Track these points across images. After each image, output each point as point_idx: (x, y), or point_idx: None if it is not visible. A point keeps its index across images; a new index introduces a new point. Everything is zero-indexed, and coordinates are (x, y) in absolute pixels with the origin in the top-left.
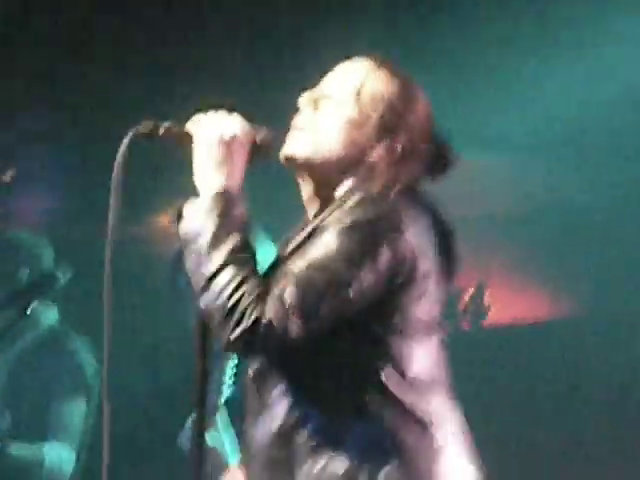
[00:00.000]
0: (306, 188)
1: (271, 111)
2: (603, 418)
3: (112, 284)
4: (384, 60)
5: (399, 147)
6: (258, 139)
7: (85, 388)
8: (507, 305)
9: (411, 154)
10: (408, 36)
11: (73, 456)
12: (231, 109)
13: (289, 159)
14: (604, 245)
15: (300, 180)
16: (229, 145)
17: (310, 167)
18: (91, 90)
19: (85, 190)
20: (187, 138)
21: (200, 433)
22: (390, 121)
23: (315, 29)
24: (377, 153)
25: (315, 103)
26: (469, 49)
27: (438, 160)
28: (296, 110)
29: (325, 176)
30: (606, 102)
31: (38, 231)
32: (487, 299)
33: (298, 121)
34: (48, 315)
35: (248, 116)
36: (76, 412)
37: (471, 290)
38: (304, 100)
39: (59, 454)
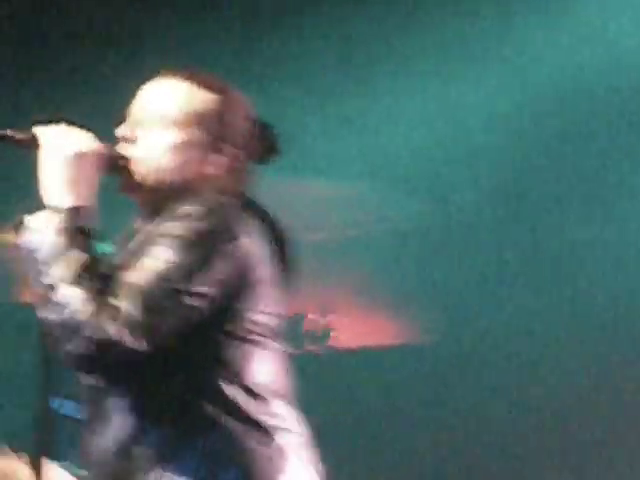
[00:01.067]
0: (146, 210)
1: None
2: (445, 439)
3: None
4: (190, 73)
5: (229, 154)
6: (108, 154)
7: None
8: (350, 329)
9: (240, 155)
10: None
11: None
12: (70, 122)
13: (127, 193)
14: (454, 270)
15: (141, 205)
16: (80, 161)
17: (147, 195)
18: None
19: None
20: (34, 144)
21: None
22: (215, 132)
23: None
24: (210, 166)
25: (132, 134)
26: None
27: (265, 149)
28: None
29: (163, 199)
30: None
31: None
32: (329, 322)
33: (124, 152)
34: None
35: (87, 129)
36: None
37: (314, 313)
38: (122, 133)
39: None
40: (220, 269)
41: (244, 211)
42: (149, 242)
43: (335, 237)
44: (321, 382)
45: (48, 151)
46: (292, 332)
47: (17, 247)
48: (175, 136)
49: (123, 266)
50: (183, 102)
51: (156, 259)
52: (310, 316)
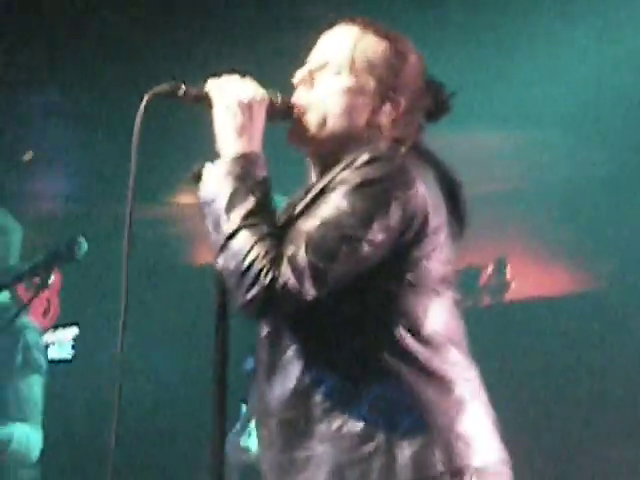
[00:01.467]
0: (313, 157)
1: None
2: (622, 394)
3: (129, 259)
4: (369, 22)
5: (401, 105)
6: (275, 101)
7: (37, 366)
8: (529, 280)
9: (412, 109)
10: (413, 10)
11: (40, 434)
12: (243, 74)
13: (297, 143)
14: (626, 218)
15: (310, 156)
16: (248, 108)
17: (319, 145)
18: (105, 59)
19: (102, 166)
20: (206, 100)
21: (221, 417)
22: (388, 81)
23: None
24: (381, 115)
25: (310, 79)
26: (478, 22)
27: (437, 107)
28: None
29: (335, 148)
30: (621, 70)
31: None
32: (508, 274)
33: (297, 100)
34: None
35: (258, 81)
36: (35, 389)
37: (491, 265)
38: (298, 78)
39: (26, 433)
40: (395, 216)
41: (418, 159)
42: (325, 191)
43: (508, 188)
44: (500, 335)
45: (220, 102)
46: (470, 285)
47: (195, 198)
48: (349, 81)
49: (300, 215)
50: (359, 50)
51: (331, 207)
52: (488, 269)
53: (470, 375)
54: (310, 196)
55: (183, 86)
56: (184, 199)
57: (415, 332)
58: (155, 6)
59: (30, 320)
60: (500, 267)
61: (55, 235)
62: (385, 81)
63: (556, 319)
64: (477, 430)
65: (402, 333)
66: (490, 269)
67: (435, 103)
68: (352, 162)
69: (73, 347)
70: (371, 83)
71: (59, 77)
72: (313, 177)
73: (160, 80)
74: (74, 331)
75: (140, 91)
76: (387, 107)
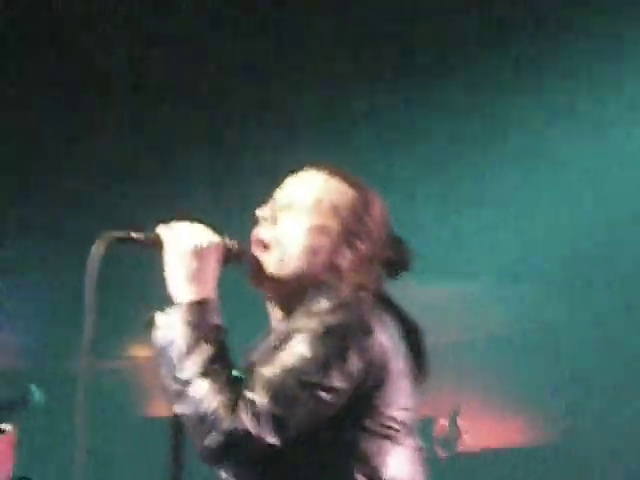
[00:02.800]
0: (273, 300)
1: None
2: None
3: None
4: (336, 169)
5: (362, 251)
6: (228, 246)
7: None
8: (481, 431)
9: (373, 257)
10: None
11: None
12: (195, 220)
13: (256, 284)
14: (583, 369)
15: (269, 296)
16: (200, 255)
17: (278, 285)
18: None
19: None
20: (159, 244)
21: None
22: (352, 226)
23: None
24: (342, 258)
25: (274, 216)
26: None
27: (397, 261)
28: (254, 222)
29: (294, 289)
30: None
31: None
32: (461, 425)
33: (259, 236)
34: None
35: (210, 226)
36: None
37: (445, 416)
38: (262, 214)
39: None
40: (354, 363)
41: (378, 306)
42: (284, 338)
43: (462, 338)
44: None
45: (171, 247)
46: (423, 436)
47: (150, 348)
48: (312, 220)
49: (259, 362)
50: (325, 192)
51: (290, 354)
52: (441, 420)
53: None
54: (271, 341)
55: (135, 232)
56: (138, 352)
57: (375, 479)
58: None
59: None
60: (453, 418)
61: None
62: (348, 226)
63: (509, 472)
64: None
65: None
66: (443, 420)
67: (395, 257)
68: (309, 308)
69: None
70: (334, 225)
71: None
72: (273, 319)
73: (117, 228)
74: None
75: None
76: (348, 252)
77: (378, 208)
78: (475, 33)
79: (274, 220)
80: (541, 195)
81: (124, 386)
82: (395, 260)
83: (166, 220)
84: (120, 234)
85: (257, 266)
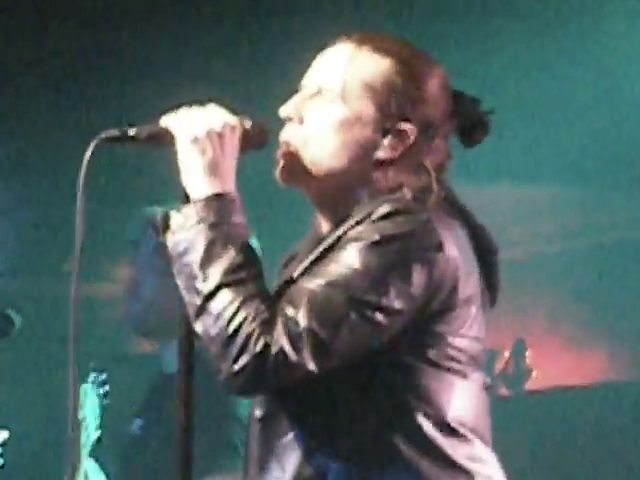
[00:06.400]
0: (315, 202)
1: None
2: None
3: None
4: (367, 36)
5: (411, 134)
6: (248, 128)
7: None
8: (553, 367)
9: (430, 136)
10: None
11: None
12: (204, 103)
13: (288, 183)
14: None
15: (311, 199)
16: (219, 140)
17: (314, 185)
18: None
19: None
20: (164, 137)
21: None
22: (391, 106)
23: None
24: (386, 148)
25: (299, 111)
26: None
27: (469, 127)
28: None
29: (334, 189)
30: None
31: None
32: (528, 360)
33: (285, 137)
34: None
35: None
36: None
37: (509, 350)
38: (286, 112)
39: None
40: (418, 282)
41: (447, 214)
42: (334, 247)
43: (528, 255)
44: (518, 431)
45: (183, 135)
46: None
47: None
48: (342, 111)
49: (302, 274)
50: (352, 71)
51: (341, 266)
52: (505, 354)
53: (496, 474)
54: (318, 250)
55: (132, 128)
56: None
57: (437, 420)
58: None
59: None
60: (519, 351)
61: None
62: (387, 107)
63: (586, 413)
64: None
65: (421, 420)
66: (507, 354)
67: (466, 124)
68: (369, 214)
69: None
70: (369, 110)
71: None
72: (323, 226)
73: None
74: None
75: (83, 139)
76: (392, 140)
77: (426, 72)
78: None
79: (300, 118)
80: None
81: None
82: (468, 126)
83: (171, 109)
84: (115, 133)
85: (291, 162)
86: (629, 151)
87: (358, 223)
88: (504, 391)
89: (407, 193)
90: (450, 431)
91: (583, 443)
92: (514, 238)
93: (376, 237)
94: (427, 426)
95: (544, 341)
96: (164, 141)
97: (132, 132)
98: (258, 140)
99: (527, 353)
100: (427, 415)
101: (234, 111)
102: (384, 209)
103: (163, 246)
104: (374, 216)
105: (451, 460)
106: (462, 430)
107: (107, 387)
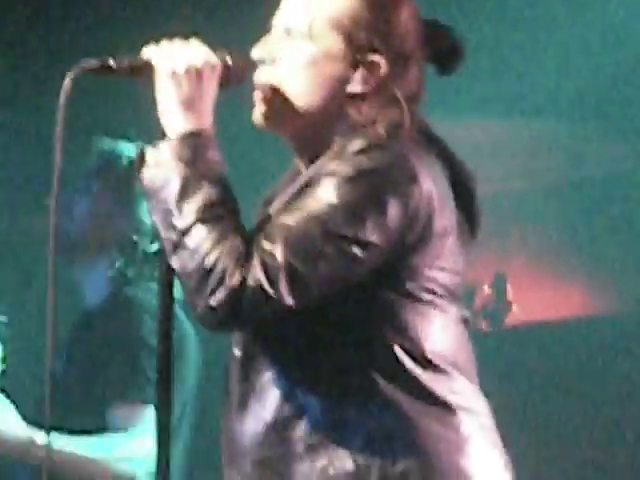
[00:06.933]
0: (293, 142)
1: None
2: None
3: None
4: None
5: (382, 66)
6: (227, 65)
7: None
8: (534, 301)
9: (401, 67)
10: None
11: None
12: (186, 37)
13: (267, 127)
14: None
15: (290, 141)
16: (198, 76)
17: (292, 126)
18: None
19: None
20: (146, 70)
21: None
22: (360, 39)
23: None
24: (358, 82)
25: (271, 53)
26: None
27: (443, 55)
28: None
29: (311, 127)
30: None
31: None
32: (509, 294)
33: (260, 80)
34: None
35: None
36: None
37: (488, 284)
38: (258, 54)
39: None
40: (394, 214)
41: (422, 146)
42: (309, 184)
43: (514, 188)
44: (499, 366)
45: (163, 69)
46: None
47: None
48: (310, 48)
49: (278, 211)
50: (317, 6)
51: (317, 201)
52: (484, 289)
53: (478, 407)
54: (294, 187)
55: (115, 58)
56: None
57: (415, 353)
58: None
59: None
60: (499, 286)
61: None
62: (355, 40)
63: (567, 347)
64: (483, 469)
65: (400, 354)
66: (487, 288)
67: (440, 52)
68: (343, 149)
69: None
70: (338, 45)
71: None
72: (300, 166)
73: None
74: None
75: (60, 68)
76: (364, 73)
77: (395, 4)
78: None
79: (272, 59)
80: None
81: None
82: (442, 54)
83: (153, 41)
84: (94, 63)
85: (268, 105)
86: (617, 86)
87: (333, 159)
88: (484, 325)
89: (381, 127)
90: (429, 365)
91: (565, 377)
92: (494, 173)
93: (351, 172)
94: (406, 360)
95: (524, 275)
96: (144, 73)
97: (112, 63)
98: (239, 77)
99: (507, 287)
100: (406, 349)
101: (216, 47)
102: (358, 144)
103: (139, 181)
104: (348, 151)
105: (431, 393)
106: (442, 364)
107: (3, 317)
